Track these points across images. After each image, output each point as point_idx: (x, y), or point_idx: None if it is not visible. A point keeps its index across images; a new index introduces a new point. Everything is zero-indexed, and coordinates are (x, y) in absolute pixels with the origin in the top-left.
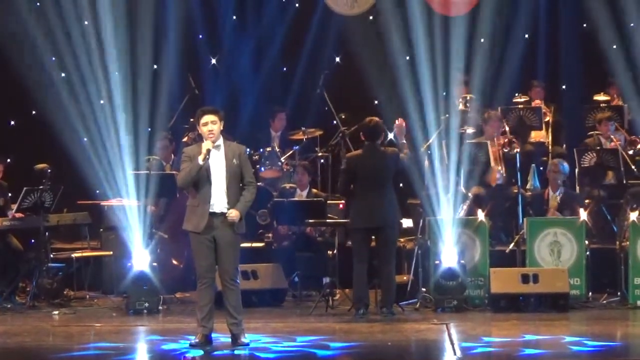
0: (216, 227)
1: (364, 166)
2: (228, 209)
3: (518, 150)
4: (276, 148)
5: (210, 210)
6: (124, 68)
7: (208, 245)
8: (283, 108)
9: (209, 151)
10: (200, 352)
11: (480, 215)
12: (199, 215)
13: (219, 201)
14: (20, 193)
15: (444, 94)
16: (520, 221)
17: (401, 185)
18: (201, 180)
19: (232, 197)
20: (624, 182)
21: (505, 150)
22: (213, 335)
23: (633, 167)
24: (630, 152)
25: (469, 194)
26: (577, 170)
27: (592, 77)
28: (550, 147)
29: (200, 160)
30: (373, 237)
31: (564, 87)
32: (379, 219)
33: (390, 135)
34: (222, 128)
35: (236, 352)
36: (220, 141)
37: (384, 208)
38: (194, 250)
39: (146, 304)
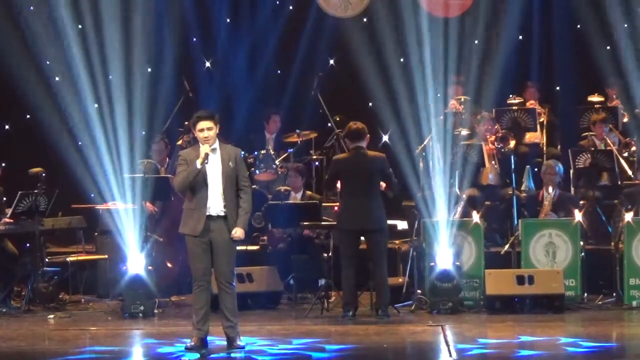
0: (212, 230)
1: (349, 169)
2: (225, 212)
3: (513, 143)
4: (271, 151)
5: (207, 214)
6: (118, 71)
7: (204, 248)
8: (277, 110)
9: (207, 155)
10: (196, 356)
11: (475, 216)
12: (196, 219)
13: (215, 204)
14: (15, 197)
15: (438, 95)
16: (515, 222)
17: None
18: (198, 183)
19: (228, 200)
20: (619, 183)
21: (499, 146)
22: (208, 338)
23: (627, 169)
24: (625, 154)
25: (463, 196)
26: (571, 171)
27: (586, 78)
28: (544, 148)
29: (198, 165)
30: (362, 238)
31: (558, 88)
32: (365, 222)
33: (385, 138)
34: (218, 132)
35: (232, 355)
36: (217, 144)
37: (370, 211)
38: (190, 253)
39: (141, 308)
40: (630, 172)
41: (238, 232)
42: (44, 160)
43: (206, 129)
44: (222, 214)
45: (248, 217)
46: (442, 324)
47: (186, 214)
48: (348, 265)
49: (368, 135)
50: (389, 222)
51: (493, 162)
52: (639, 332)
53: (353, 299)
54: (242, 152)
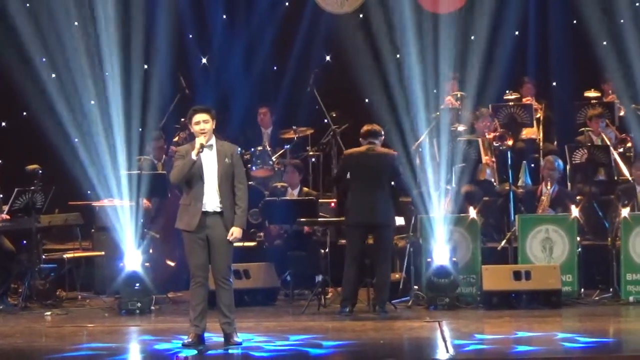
0: (209, 226)
1: (360, 163)
2: (220, 208)
3: (511, 142)
4: (267, 147)
5: (203, 209)
6: (114, 68)
7: (201, 244)
8: (264, 103)
9: (202, 146)
10: (193, 352)
11: (472, 212)
12: (191, 214)
13: (211, 200)
14: (12, 194)
15: (435, 91)
16: (512, 218)
17: (392, 183)
18: (194, 178)
19: (224, 196)
20: (615, 178)
21: (496, 145)
22: (206, 334)
23: (622, 165)
24: (620, 149)
25: (447, 188)
26: (568, 166)
27: (583, 74)
28: (541, 144)
29: (193, 155)
30: (369, 235)
31: (554, 83)
32: (375, 217)
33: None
34: (214, 127)
35: (229, 351)
36: (213, 140)
37: (380, 206)
38: (187, 249)
39: (138, 304)
40: (625, 171)
41: (235, 233)
42: (41, 157)
43: (202, 121)
44: (218, 209)
45: (245, 215)
46: (439, 319)
47: (182, 210)
48: (351, 261)
49: (383, 137)
50: None
51: (491, 162)
52: (635, 327)
53: (352, 295)
54: (239, 149)
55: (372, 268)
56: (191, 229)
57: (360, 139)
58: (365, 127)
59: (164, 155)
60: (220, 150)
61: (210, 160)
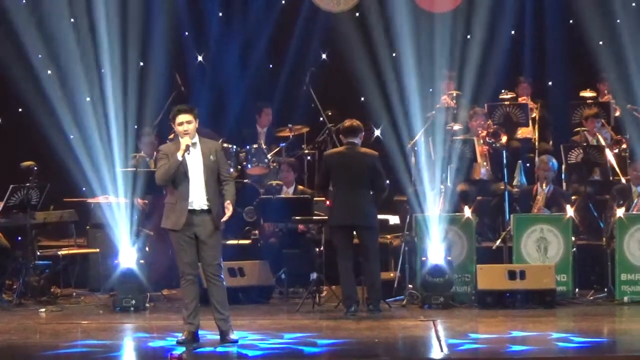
0: (196, 224)
1: (340, 164)
2: (208, 206)
3: (505, 138)
4: (263, 145)
5: (190, 208)
6: (110, 65)
7: (189, 242)
8: (268, 103)
9: (188, 147)
10: (188, 349)
11: (467, 211)
12: (178, 213)
13: (197, 198)
14: (6, 191)
15: (430, 90)
16: (507, 217)
17: (388, 182)
18: (179, 177)
19: (210, 193)
20: (610, 178)
21: (490, 142)
22: (200, 332)
23: (617, 167)
24: (616, 150)
25: (442, 187)
26: (563, 166)
27: (579, 73)
28: (536, 144)
29: (179, 156)
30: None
31: (550, 83)
32: (355, 218)
33: (377, 132)
34: (197, 126)
35: (223, 349)
36: (196, 139)
37: (360, 207)
38: (176, 248)
39: (133, 302)
40: (619, 171)
41: (229, 207)
42: (36, 154)
43: (185, 122)
44: (206, 207)
45: (234, 191)
46: (433, 318)
47: (168, 209)
48: (343, 257)
49: (363, 133)
50: (381, 217)
51: (485, 162)
52: (630, 327)
53: (353, 292)
54: (235, 147)
55: (363, 267)
56: (178, 228)
57: (340, 135)
58: (346, 123)
59: (154, 152)
60: (204, 148)
61: (194, 159)
